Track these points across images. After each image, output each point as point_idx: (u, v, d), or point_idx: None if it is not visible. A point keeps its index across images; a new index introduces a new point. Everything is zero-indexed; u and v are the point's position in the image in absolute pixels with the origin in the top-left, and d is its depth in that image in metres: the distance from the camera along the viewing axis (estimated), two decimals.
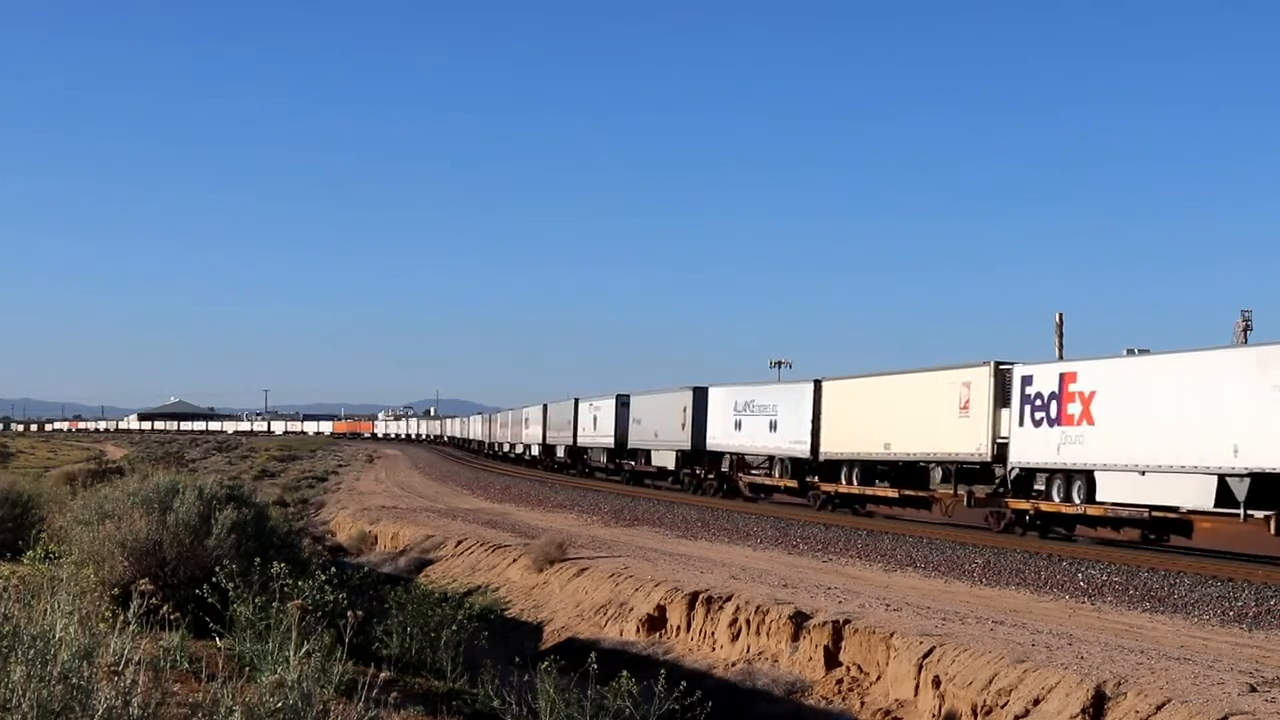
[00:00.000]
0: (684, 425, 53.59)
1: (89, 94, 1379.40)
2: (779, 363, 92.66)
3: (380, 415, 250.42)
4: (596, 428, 68.69)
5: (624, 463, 63.97)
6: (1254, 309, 78.27)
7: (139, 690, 7.25)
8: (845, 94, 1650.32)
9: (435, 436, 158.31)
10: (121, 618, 9.24)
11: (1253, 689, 13.57)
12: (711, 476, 51.76)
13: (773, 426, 45.74)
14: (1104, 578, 23.72)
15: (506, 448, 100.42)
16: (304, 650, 9.12)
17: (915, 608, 19.94)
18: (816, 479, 42.72)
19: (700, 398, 52.71)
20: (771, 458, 47.57)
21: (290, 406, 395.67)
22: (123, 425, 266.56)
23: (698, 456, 53.19)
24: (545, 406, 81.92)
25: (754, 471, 50.02)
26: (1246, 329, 61.29)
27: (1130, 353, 30.59)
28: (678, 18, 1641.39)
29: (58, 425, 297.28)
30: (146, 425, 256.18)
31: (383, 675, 8.63)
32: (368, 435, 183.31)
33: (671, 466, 56.24)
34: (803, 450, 42.95)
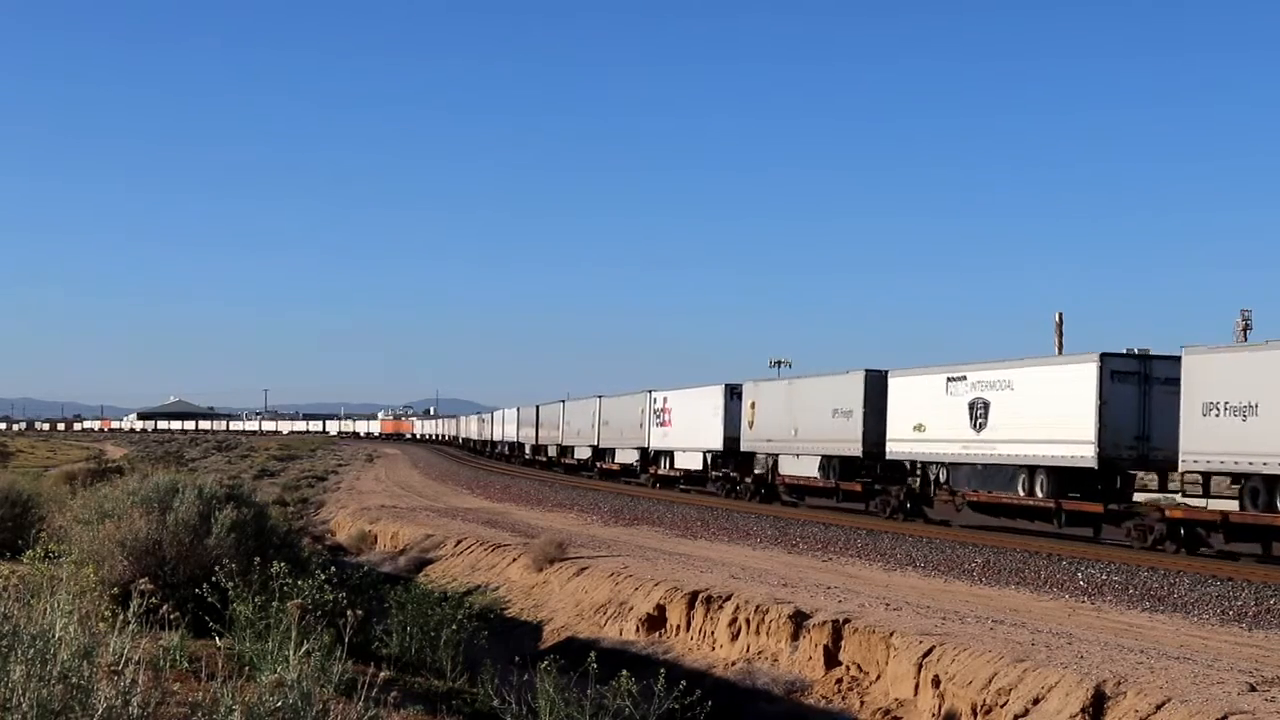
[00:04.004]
0: None
1: (89, 94, 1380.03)
2: (779, 362, 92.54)
3: (380, 415, 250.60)
4: (936, 425, 35.96)
5: (1062, 504, 31.34)
6: (1254, 309, 78.18)
7: (139, 690, 7.26)
8: (846, 94, 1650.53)
9: (451, 437, 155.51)
10: (121, 617, 9.23)
11: (1252, 688, 13.57)
12: None
13: None
14: (1104, 577, 23.72)
15: (583, 452, 73.98)
16: (304, 650, 9.13)
17: (915, 607, 19.94)
18: None
19: None
20: None
21: (290, 406, 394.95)
22: (161, 426, 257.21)
23: None
24: (732, 388, 50.79)
25: None
26: (1246, 329, 61.27)
27: None
28: (679, 18, 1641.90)
29: (88, 424, 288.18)
30: (191, 425, 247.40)
31: (382, 674, 8.64)
32: (409, 436, 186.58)
33: None
34: None
